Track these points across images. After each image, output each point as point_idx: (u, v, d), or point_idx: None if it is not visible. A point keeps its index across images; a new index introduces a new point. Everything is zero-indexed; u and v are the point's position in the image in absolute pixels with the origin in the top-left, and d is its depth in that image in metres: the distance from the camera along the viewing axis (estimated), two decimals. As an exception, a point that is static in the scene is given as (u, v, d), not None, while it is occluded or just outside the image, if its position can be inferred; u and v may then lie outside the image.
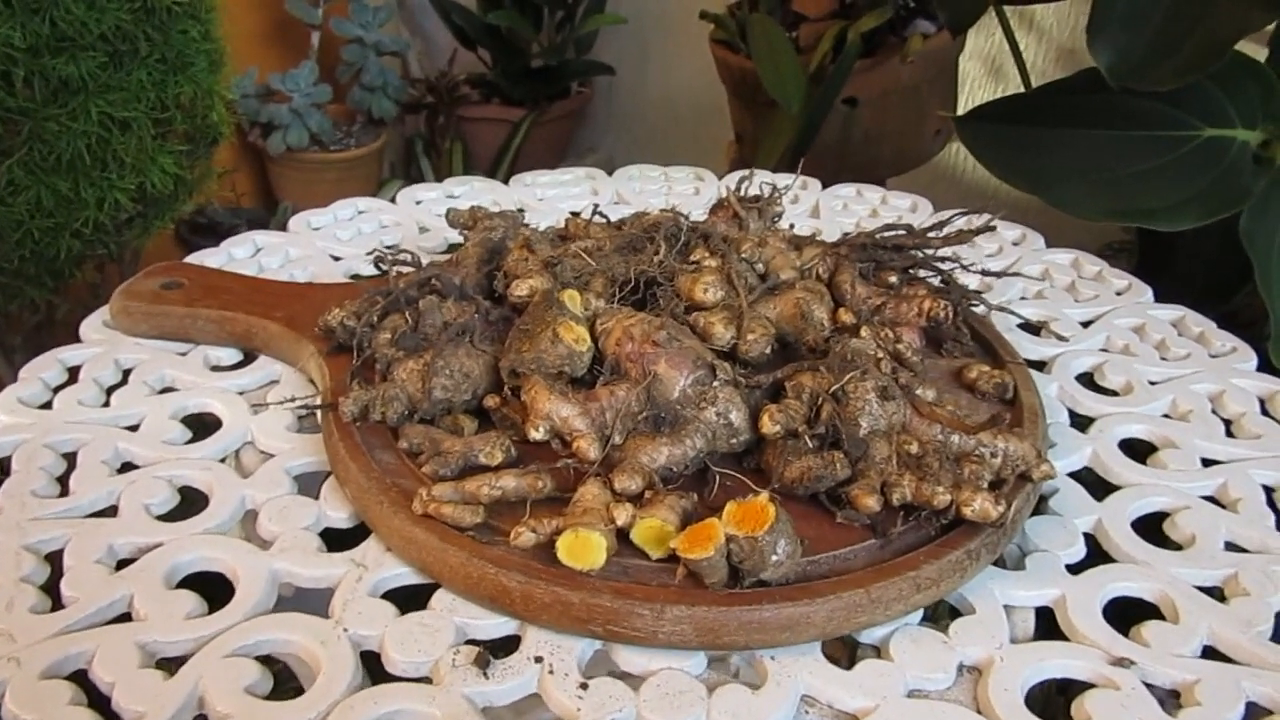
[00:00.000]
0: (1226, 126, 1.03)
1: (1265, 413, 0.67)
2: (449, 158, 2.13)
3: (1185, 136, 1.03)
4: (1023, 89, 1.38)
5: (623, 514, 0.48)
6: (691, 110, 2.18)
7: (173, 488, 0.56)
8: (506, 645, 0.48)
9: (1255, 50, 1.03)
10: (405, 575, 0.51)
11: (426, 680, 0.46)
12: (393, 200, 0.91)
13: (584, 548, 0.47)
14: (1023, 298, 0.80)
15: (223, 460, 0.59)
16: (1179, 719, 0.45)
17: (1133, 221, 1.03)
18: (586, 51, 2.22)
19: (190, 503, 0.56)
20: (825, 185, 0.98)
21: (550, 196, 0.95)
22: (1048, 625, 0.52)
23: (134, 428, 0.61)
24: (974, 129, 1.09)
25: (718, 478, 0.53)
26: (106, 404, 0.63)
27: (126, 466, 0.58)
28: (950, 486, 0.51)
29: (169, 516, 0.55)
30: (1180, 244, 1.22)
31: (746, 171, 0.79)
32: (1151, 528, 0.58)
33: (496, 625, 0.49)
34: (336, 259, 0.82)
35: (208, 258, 0.79)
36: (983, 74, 1.78)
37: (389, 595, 0.50)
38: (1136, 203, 1.00)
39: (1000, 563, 0.54)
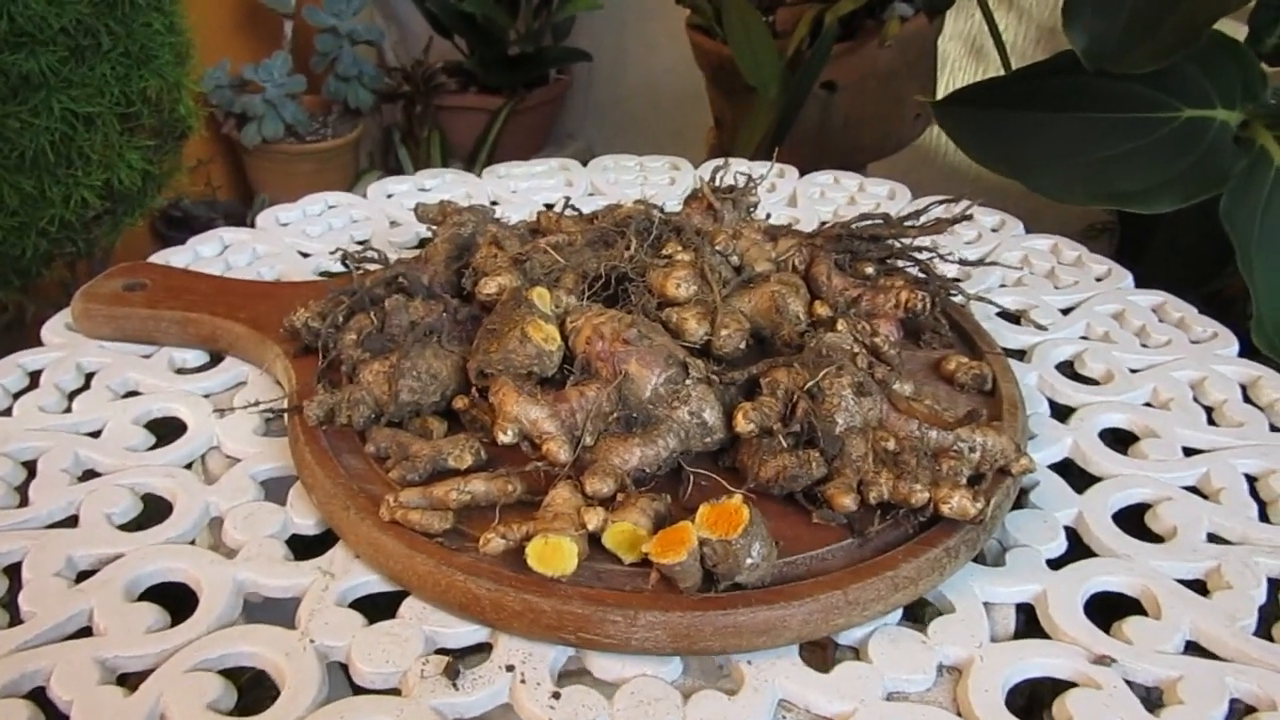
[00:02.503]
0: (1206, 107, 1.03)
1: (1247, 399, 0.66)
2: (427, 147, 2.11)
3: (1164, 118, 1.02)
4: (1003, 70, 1.37)
5: (594, 518, 0.47)
6: (672, 97, 2.16)
7: (135, 496, 0.55)
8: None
9: (1235, 29, 1.02)
10: (373, 583, 0.50)
11: (395, 692, 0.45)
12: (362, 194, 0.90)
13: (554, 554, 0.46)
14: (1002, 285, 0.79)
15: (188, 466, 0.58)
16: (1162, 718, 0.45)
17: (1112, 205, 1.03)
18: (564, 38, 2.20)
19: (153, 511, 0.55)
20: (804, 171, 0.97)
21: (524, 189, 0.94)
22: (1028, 620, 0.51)
23: (96, 434, 0.60)
24: (952, 114, 1.08)
25: (692, 478, 0.52)
26: (68, 409, 0.62)
27: (88, 474, 0.57)
28: (928, 484, 0.50)
29: (131, 526, 0.53)
30: (1160, 226, 1.21)
31: (721, 161, 0.78)
32: (1133, 519, 0.57)
33: (467, 633, 0.48)
34: (305, 255, 0.80)
35: (174, 256, 0.77)
36: (963, 55, 1.77)
37: (357, 604, 0.49)
38: (1116, 186, 1.00)
39: (980, 558, 0.53)
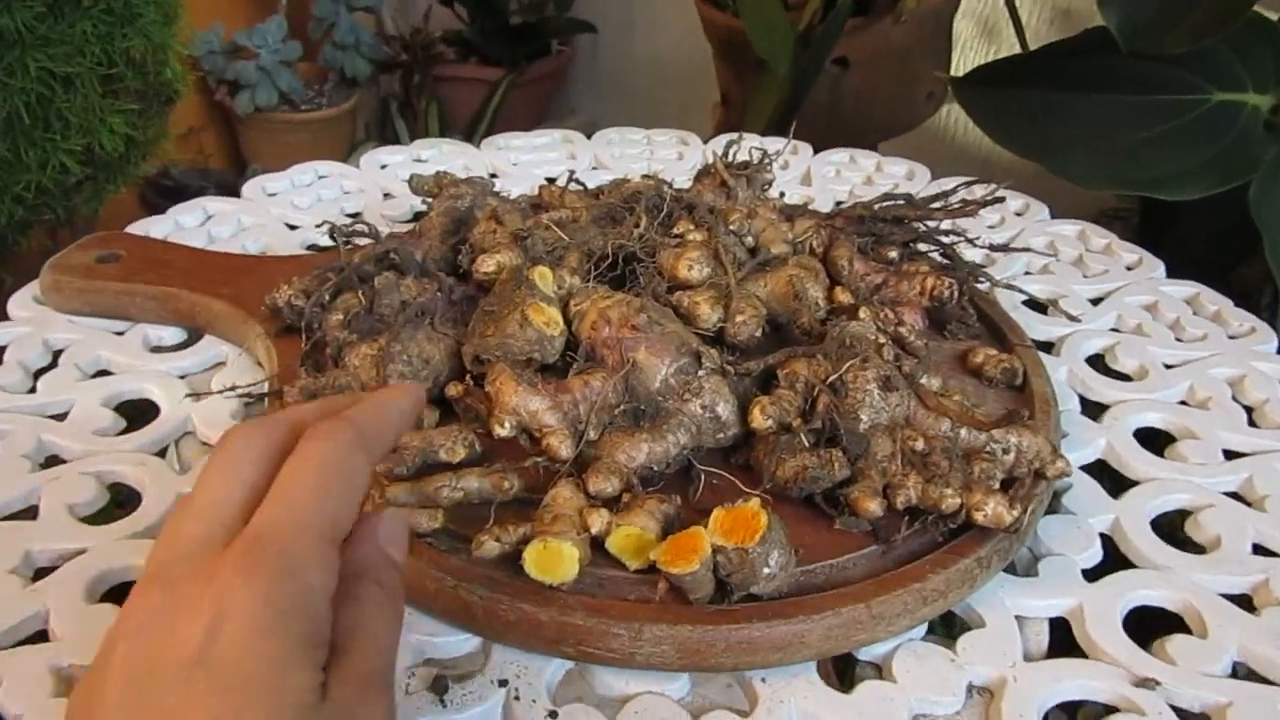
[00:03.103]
0: (1238, 90, 0.98)
1: (1289, 400, 0.62)
2: (425, 119, 2.06)
3: (1194, 101, 0.98)
4: (1018, 50, 1.33)
5: (597, 521, 0.43)
6: (678, 71, 2.11)
7: (101, 485, 0.51)
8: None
9: (1271, 11, 0.98)
10: (357, 586, 0.46)
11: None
12: (356, 164, 0.85)
13: (554, 560, 0.42)
14: (1027, 273, 0.75)
15: (160, 453, 0.54)
16: (1211, 749, 0.41)
17: (1139, 191, 0.98)
18: (567, 8, 2.15)
19: (121, 502, 0.51)
20: (815, 151, 0.93)
21: (525, 161, 0.89)
22: (1059, 634, 0.48)
23: (61, 416, 0.55)
24: (972, 93, 1.03)
25: (703, 477, 0.48)
26: (33, 389, 0.58)
27: (51, 460, 0.53)
28: (960, 488, 0.46)
29: (96, 518, 0.50)
30: (1183, 214, 1.17)
31: (734, 135, 0.73)
32: (1171, 526, 0.54)
33: (457, 643, 0.44)
34: (293, 228, 0.76)
35: (152, 226, 0.73)
36: (976, 34, 1.72)
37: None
38: (1143, 171, 0.96)
39: (1011, 568, 0.49)
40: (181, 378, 0.59)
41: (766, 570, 0.42)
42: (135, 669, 0.28)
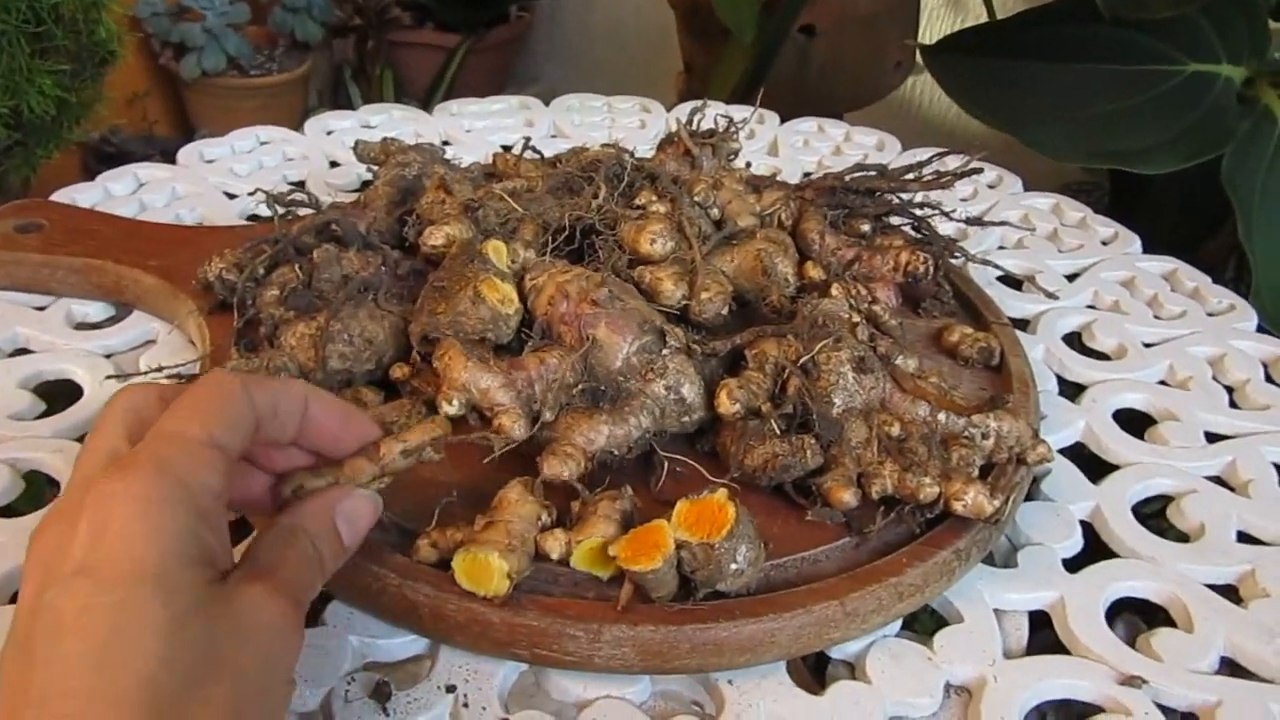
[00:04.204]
0: (1211, 61, 0.96)
1: (1270, 379, 0.60)
2: (379, 87, 2.00)
3: (1168, 71, 0.96)
4: (986, 19, 1.30)
5: (555, 546, 0.39)
6: (640, 39, 2.06)
7: (16, 473, 0.47)
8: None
9: (1247, -22, 0.96)
10: (293, 583, 0.43)
11: (316, 716, 0.38)
12: (300, 130, 0.81)
13: (481, 572, 0.38)
14: (1001, 247, 0.73)
15: (81, 439, 0.50)
16: (1201, 751, 0.39)
17: (1110, 164, 0.97)
18: (526, -28, 2.09)
19: (38, 493, 0.47)
20: (782, 121, 0.90)
21: (479, 129, 0.85)
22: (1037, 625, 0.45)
23: (-26, 399, 0.51)
24: (943, 61, 1.01)
25: (666, 464, 0.45)
26: (-57, 369, 0.54)
27: (-39, 447, 0.49)
28: (938, 476, 0.43)
29: (10, 510, 0.46)
30: (1154, 187, 1.16)
31: (699, 103, 0.70)
32: (1152, 511, 0.52)
33: (401, 645, 0.41)
34: (232, 197, 0.72)
35: (79, 194, 0.68)
36: (941, 3, 1.70)
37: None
38: (1115, 143, 0.94)
39: (988, 559, 0.47)
40: (107, 357, 0.55)
41: (734, 566, 0.39)
42: (37, 589, 0.28)
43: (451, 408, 0.44)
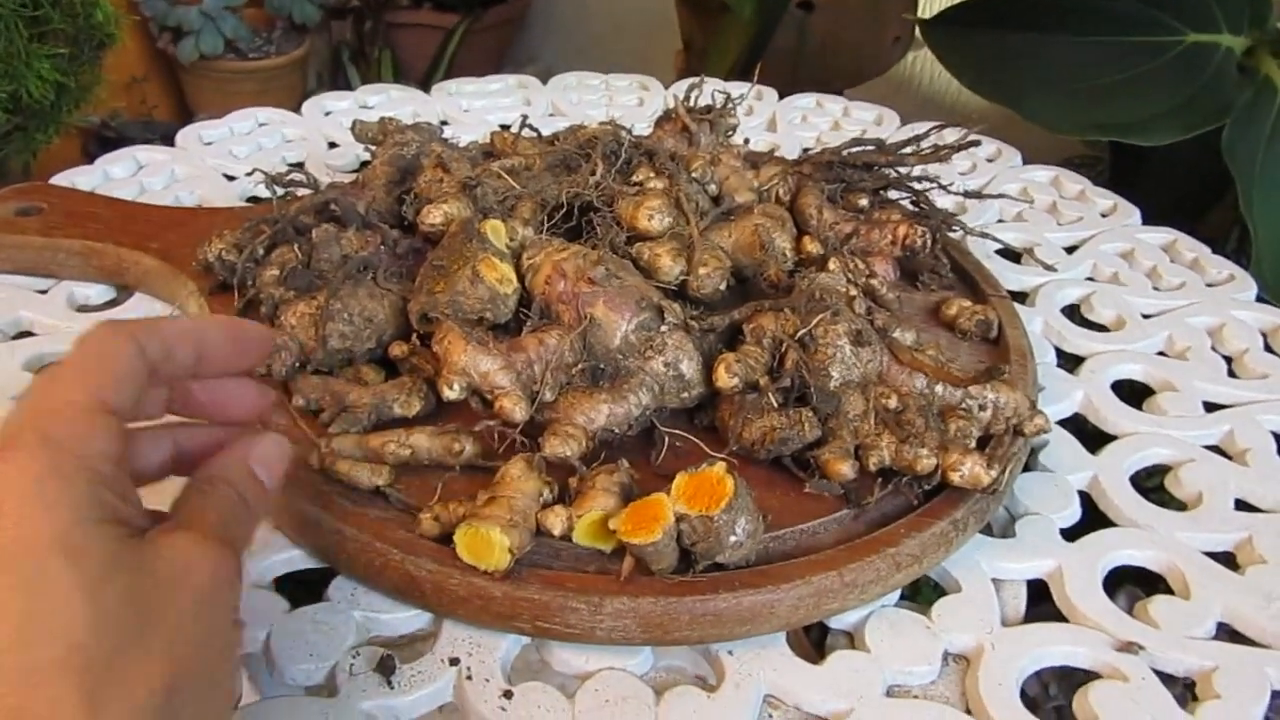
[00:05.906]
0: (1211, 31, 0.96)
1: (1269, 349, 0.60)
2: (377, 68, 1.99)
3: (1167, 42, 0.96)
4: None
5: (556, 522, 0.40)
6: (638, 17, 2.05)
7: (21, 456, 0.47)
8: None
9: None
10: (296, 559, 0.43)
11: (321, 690, 0.38)
12: (298, 111, 0.81)
13: (483, 546, 0.39)
14: (1000, 220, 0.73)
15: (85, 420, 0.50)
16: (1198, 714, 0.39)
17: (1110, 136, 0.96)
18: (524, -49, 2.08)
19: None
20: (780, 97, 0.89)
21: (477, 108, 0.85)
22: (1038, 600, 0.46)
23: (-23, 382, 0.52)
24: (942, 34, 1.00)
25: (666, 439, 0.45)
26: (-54, 353, 0.54)
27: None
28: (935, 448, 0.43)
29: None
30: (1153, 160, 1.15)
31: (696, 79, 0.70)
32: (1154, 485, 0.52)
33: (405, 620, 0.41)
34: (231, 179, 0.72)
35: (79, 177, 0.68)
36: (942, -23, 1.69)
37: (278, 584, 0.43)
38: (1114, 115, 0.93)
39: (986, 529, 0.47)
40: (109, 339, 0.55)
41: (733, 538, 0.39)
42: None
43: (452, 392, 0.44)
